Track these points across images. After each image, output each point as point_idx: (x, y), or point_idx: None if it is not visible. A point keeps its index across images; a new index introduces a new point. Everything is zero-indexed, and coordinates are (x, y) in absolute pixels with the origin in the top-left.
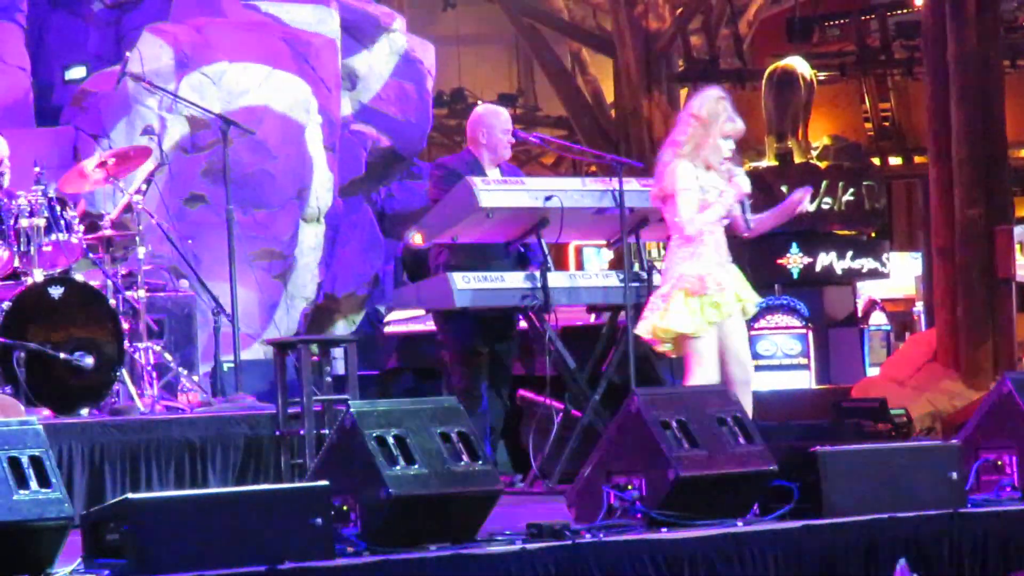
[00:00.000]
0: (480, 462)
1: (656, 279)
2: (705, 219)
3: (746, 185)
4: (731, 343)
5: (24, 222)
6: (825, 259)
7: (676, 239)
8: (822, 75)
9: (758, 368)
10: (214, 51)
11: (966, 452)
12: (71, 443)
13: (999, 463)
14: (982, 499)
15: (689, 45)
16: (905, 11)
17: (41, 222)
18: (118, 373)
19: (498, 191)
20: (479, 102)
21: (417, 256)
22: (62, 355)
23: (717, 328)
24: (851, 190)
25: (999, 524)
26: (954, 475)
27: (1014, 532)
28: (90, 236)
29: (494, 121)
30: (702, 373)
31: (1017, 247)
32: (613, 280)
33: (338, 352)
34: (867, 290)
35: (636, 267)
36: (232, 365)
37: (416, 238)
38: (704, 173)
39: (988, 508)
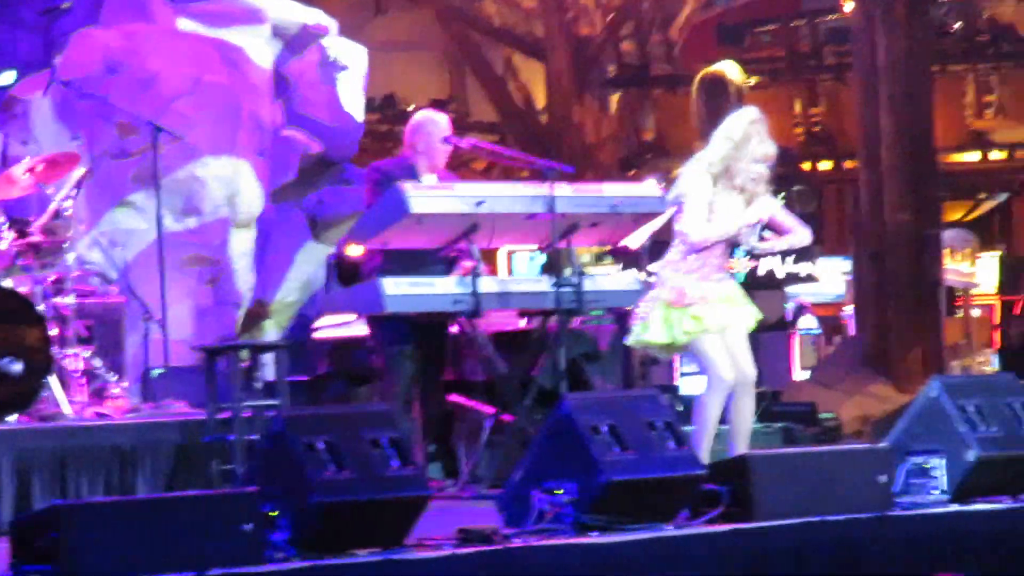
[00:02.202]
0: (410, 467)
1: (587, 284)
2: (712, 231)
3: (765, 212)
4: (731, 346)
5: None
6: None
7: (675, 246)
8: (752, 80)
9: (687, 374)
10: (144, 57)
11: (894, 455)
12: None
13: (927, 466)
14: (910, 502)
15: (620, 51)
16: (835, 17)
17: None
18: (47, 380)
19: (429, 196)
20: (410, 108)
21: (349, 261)
22: None
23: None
24: (781, 195)
25: (927, 526)
26: (882, 478)
27: (941, 534)
28: (19, 242)
29: (432, 129)
30: (716, 372)
31: (946, 252)
32: (544, 285)
33: (268, 358)
34: (797, 294)
35: (567, 272)
36: (162, 371)
37: (353, 249)
38: (726, 193)
39: (916, 511)
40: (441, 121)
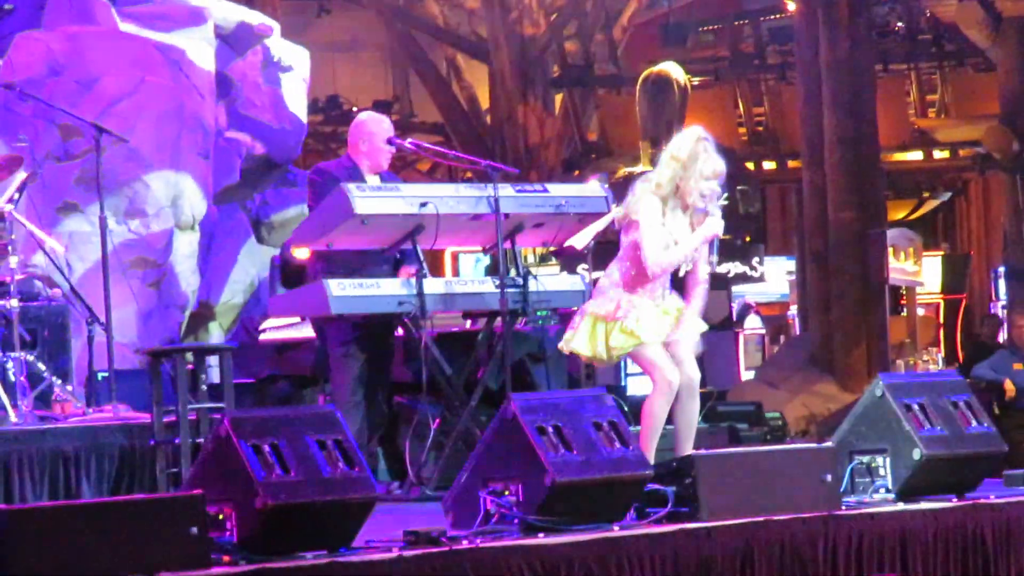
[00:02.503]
0: (356, 469)
1: (532, 284)
2: (669, 259)
3: (718, 227)
4: (674, 351)
5: None
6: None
7: (622, 263)
8: (696, 80)
9: (633, 373)
10: (87, 59)
11: (840, 454)
12: None
13: (873, 465)
14: (856, 501)
15: (564, 51)
16: (778, 16)
17: None
18: None
19: (373, 198)
20: (354, 108)
21: (295, 264)
22: None
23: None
24: (725, 195)
25: (873, 525)
26: (828, 477)
27: (888, 533)
28: None
29: (375, 129)
30: (662, 377)
31: (890, 251)
32: (489, 286)
33: (213, 360)
34: (742, 294)
35: (512, 273)
36: (106, 374)
37: (299, 251)
38: (675, 215)
39: (862, 509)
40: (384, 122)
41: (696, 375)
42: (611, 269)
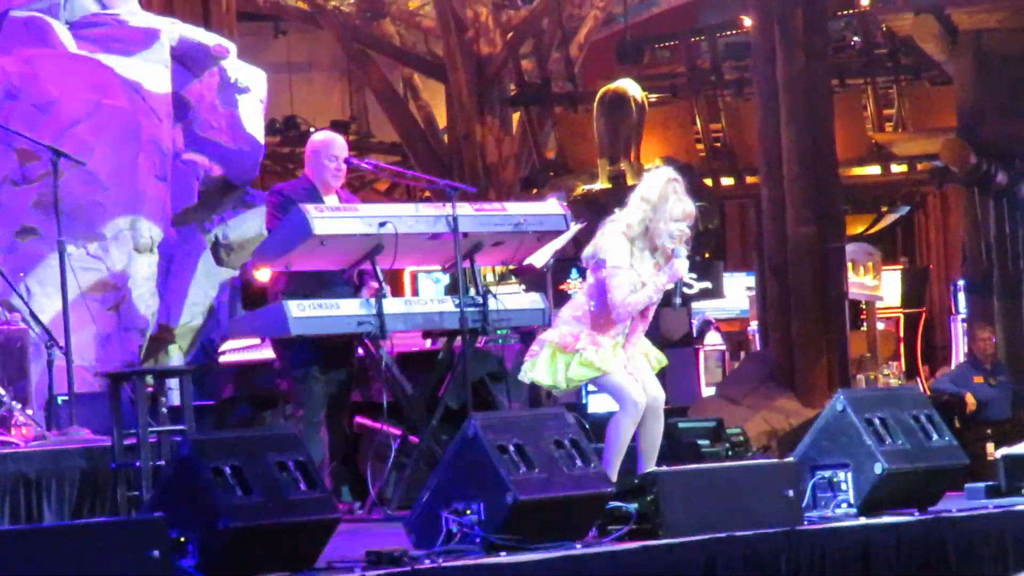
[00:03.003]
0: (317, 490)
1: (491, 303)
2: (636, 302)
3: (684, 270)
4: (635, 373)
5: None
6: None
7: (586, 301)
8: (653, 97)
9: (593, 392)
10: (43, 82)
11: (802, 469)
12: None
13: (834, 480)
14: (818, 516)
15: (521, 69)
16: (734, 32)
17: None
18: None
19: (332, 218)
20: (311, 129)
21: (256, 285)
22: None
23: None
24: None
25: (835, 540)
26: (790, 492)
27: (850, 547)
28: None
29: (319, 148)
30: (627, 397)
31: (849, 265)
32: (449, 305)
33: (173, 383)
34: (702, 310)
35: (471, 292)
36: (66, 398)
37: (261, 273)
38: (642, 255)
39: (824, 524)
40: (338, 141)
41: (660, 395)
42: (576, 302)
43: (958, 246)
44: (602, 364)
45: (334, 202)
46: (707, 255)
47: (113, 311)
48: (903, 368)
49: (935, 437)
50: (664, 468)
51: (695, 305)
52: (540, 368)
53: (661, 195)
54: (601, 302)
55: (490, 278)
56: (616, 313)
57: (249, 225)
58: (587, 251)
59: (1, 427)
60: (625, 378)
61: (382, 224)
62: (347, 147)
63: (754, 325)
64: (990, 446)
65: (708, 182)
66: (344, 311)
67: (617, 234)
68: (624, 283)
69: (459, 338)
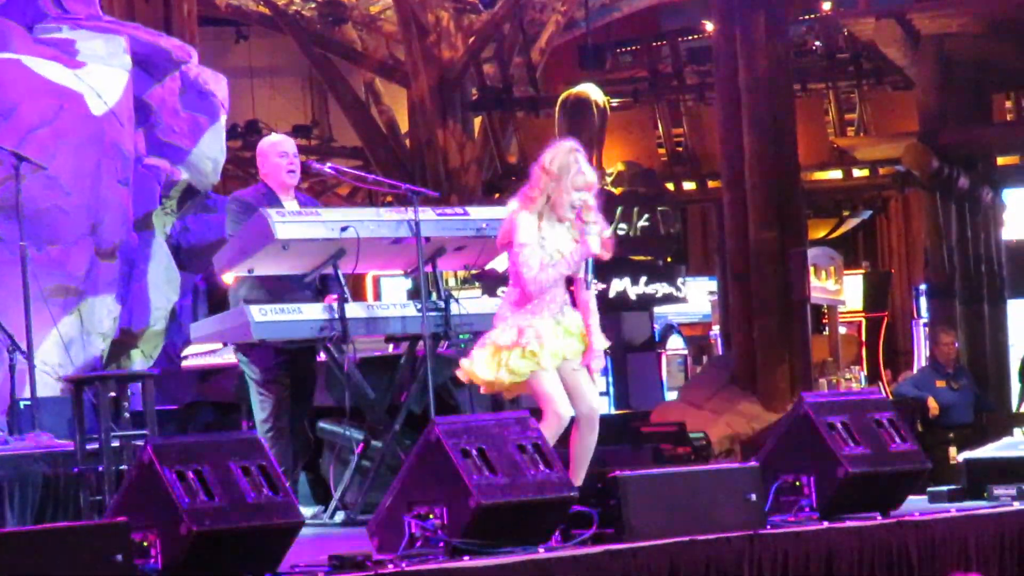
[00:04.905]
0: (280, 495)
1: (454, 308)
2: (547, 277)
3: (595, 246)
4: (569, 381)
5: None
6: (619, 285)
7: (512, 287)
8: (615, 101)
9: None
10: (4, 87)
11: (764, 473)
12: None
13: (797, 484)
14: (781, 520)
15: (482, 73)
16: (696, 37)
17: None
18: None
19: (294, 223)
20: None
21: (220, 289)
22: None
23: (558, 367)
24: (646, 216)
25: (798, 544)
26: (753, 496)
27: (813, 551)
28: None
29: (268, 150)
30: (553, 410)
31: (811, 269)
32: (411, 310)
33: (136, 387)
34: (665, 314)
35: (434, 296)
36: (28, 403)
37: (227, 277)
38: (552, 228)
39: (787, 528)
40: (284, 139)
41: (596, 406)
42: (507, 293)
43: (920, 250)
44: (542, 358)
45: (294, 206)
46: (669, 259)
47: (75, 315)
48: (865, 372)
49: (897, 441)
50: (627, 472)
51: (657, 310)
52: (479, 364)
53: (561, 165)
54: (522, 284)
55: (452, 282)
56: (529, 290)
57: (211, 230)
58: (499, 234)
59: None
60: (555, 387)
61: (344, 228)
62: (295, 145)
63: (716, 329)
64: (952, 450)
65: (670, 186)
66: (306, 315)
67: (520, 212)
68: (533, 259)
69: (421, 343)
